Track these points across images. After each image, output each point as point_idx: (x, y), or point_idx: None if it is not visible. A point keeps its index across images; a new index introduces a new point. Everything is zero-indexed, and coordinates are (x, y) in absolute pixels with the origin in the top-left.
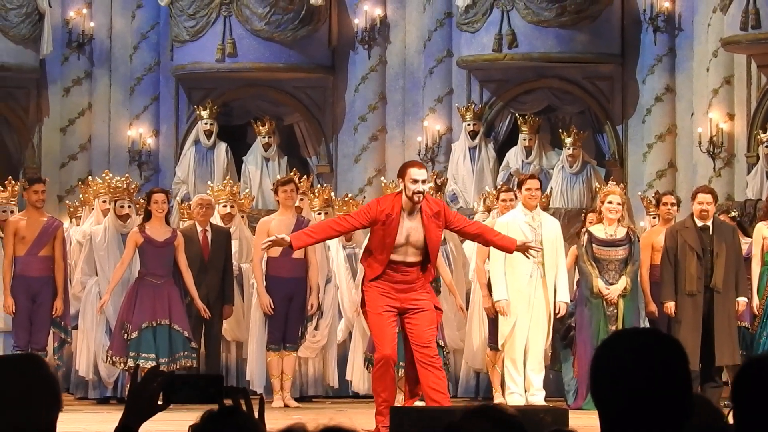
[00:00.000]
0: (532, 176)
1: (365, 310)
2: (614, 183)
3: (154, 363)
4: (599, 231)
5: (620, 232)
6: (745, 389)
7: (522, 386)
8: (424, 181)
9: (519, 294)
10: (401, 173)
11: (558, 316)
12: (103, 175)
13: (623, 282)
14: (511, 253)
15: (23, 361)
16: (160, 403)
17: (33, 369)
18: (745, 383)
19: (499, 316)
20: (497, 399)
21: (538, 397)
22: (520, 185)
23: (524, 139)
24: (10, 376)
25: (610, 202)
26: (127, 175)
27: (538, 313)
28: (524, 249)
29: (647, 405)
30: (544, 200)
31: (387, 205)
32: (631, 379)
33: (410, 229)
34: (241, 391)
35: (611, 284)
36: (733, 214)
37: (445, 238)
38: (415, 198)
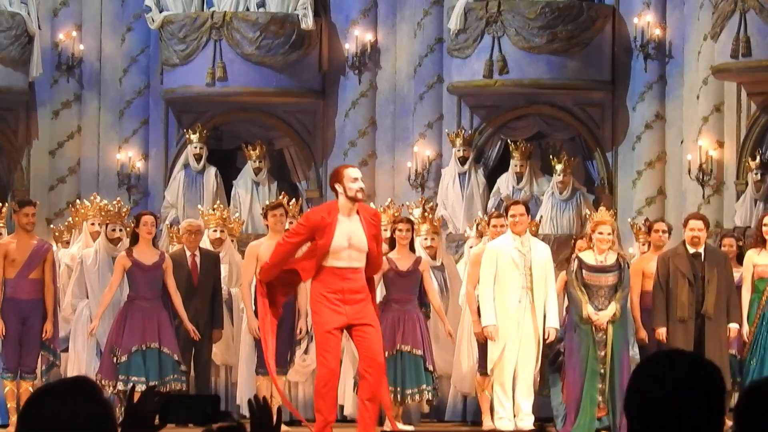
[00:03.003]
0: (515, 202)
1: (313, 322)
2: (605, 209)
3: (143, 386)
4: (589, 257)
5: (610, 259)
6: (749, 413)
7: (511, 411)
8: (362, 179)
9: (508, 319)
10: (338, 178)
11: (547, 342)
12: (92, 198)
13: (612, 308)
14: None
15: (79, 387)
16: (156, 423)
17: (89, 395)
18: (749, 407)
19: (488, 341)
20: (486, 424)
21: (526, 422)
22: (506, 211)
23: (515, 165)
24: (67, 402)
25: (600, 233)
26: (118, 198)
27: (527, 338)
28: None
29: (680, 425)
30: (533, 228)
31: (324, 211)
32: (667, 400)
33: (351, 231)
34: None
35: (600, 310)
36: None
37: (442, 263)
38: (358, 196)
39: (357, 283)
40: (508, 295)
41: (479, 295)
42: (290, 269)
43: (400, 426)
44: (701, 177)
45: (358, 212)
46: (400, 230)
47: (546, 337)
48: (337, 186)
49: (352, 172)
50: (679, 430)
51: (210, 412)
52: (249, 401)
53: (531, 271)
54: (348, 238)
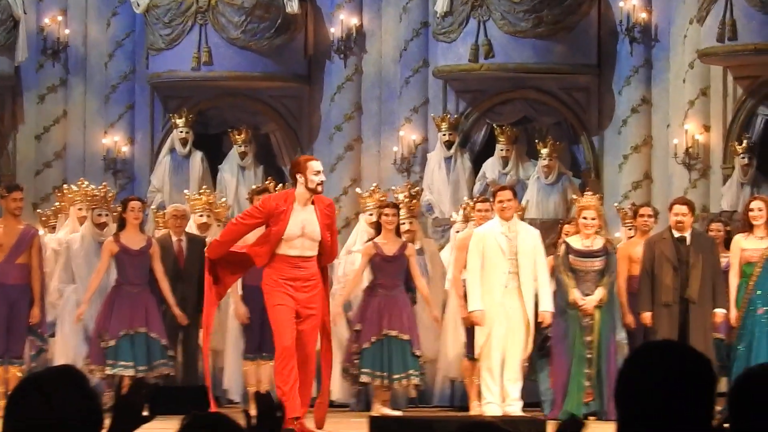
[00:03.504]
0: (503, 188)
1: (267, 305)
2: (591, 194)
3: (132, 371)
4: (576, 242)
5: (597, 244)
6: (743, 400)
7: (498, 396)
8: (323, 172)
9: (494, 305)
10: (300, 168)
11: (543, 326)
12: (79, 182)
13: (599, 293)
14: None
15: (66, 377)
16: (145, 414)
17: (76, 385)
18: (743, 394)
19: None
20: (473, 409)
21: (515, 408)
22: (493, 197)
23: (501, 150)
24: (54, 394)
25: (584, 218)
26: (104, 183)
27: (515, 323)
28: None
29: (670, 417)
30: (520, 212)
31: (280, 199)
32: (657, 391)
33: (305, 220)
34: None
35: (587, 295)
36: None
37: (422, 248)
38: (319, 189)
39: (309, 271)
40: (494, 280)
41: (466, 281)
42: (243, 253)
43: (388, 411)
44: (688, 161)
45: (313, 202)
46: (386, 215)
47: (540, 321)
48: (298, 176)
49: (316, 165)
50: (670, 420)
51: (198, 403)
52: (254, 395)
53: (517, 256)
54: (302, 227)
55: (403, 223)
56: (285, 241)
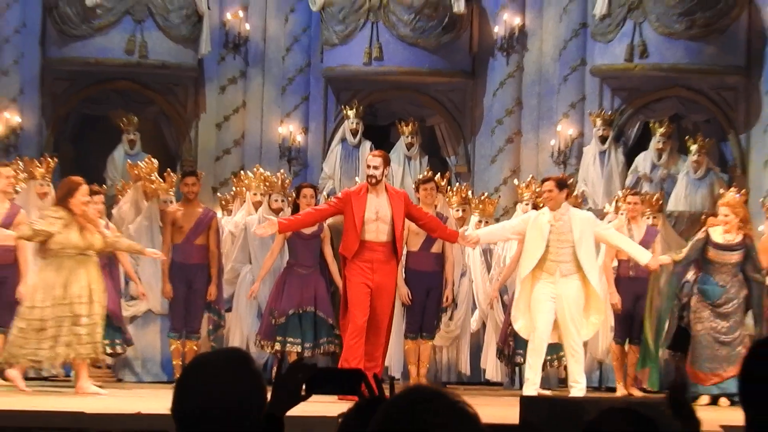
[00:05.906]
0: (546, 178)
1: (344, 285)
2: (735, 190)
3: (299, 347)
4: (717, 235)
5: (738, 238)
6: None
7: (537, 378)
8: (376, 167)
9: (521, 288)
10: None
11: (655, 271)
12: (255, 169)
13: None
14: (453, 242)
15: (233, 359)
16: (302, 393)
17: (244, 367)
18: (755, 366)
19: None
20: (619, 390)
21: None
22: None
23: (658, 142)
24: (222, 376)
25: (720, 213)
26: (282, 170)
27: (561, 309)
28: (463, 240)
29: None
30: (656, 203)
31: (356, 188)
32: None
33: (378, 205)
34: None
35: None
36: None
37: None
38: (371, 180)
39: (383, 254)
40: (527, 264)
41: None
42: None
43: (540, 391)
44: None
45: (387, 191)
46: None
47: (655, 269)
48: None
49: (369, 160)
50: None
51: (354, 385)
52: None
53: (574, 245)
54: (376, 212)
55: None
56: (364, 224)
